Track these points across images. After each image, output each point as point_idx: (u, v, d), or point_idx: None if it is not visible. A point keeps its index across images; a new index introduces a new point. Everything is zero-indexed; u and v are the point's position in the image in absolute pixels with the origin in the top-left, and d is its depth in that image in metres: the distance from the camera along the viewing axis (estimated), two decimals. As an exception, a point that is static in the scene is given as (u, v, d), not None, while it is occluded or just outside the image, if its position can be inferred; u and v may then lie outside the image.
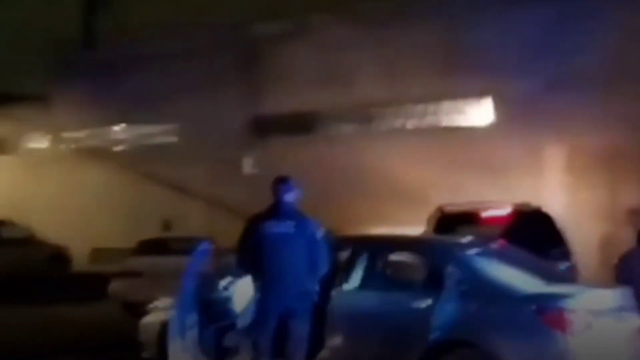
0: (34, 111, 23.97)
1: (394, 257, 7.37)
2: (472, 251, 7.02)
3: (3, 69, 20.54)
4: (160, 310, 8.61)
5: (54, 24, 19.31)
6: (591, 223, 14.90)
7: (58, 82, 23.33)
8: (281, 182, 6.92)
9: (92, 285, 15.47)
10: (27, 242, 18.52)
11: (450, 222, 9.67)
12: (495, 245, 7.49)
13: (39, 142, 24.79)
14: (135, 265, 14.08)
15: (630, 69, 15.26)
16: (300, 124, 19.50)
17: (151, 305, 8.96)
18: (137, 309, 11.99)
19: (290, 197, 6.85)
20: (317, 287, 6.74)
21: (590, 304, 6.28)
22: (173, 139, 21.77)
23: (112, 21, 20.34)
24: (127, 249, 15.36)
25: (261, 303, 6.62)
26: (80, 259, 20.20)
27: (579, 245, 10.23)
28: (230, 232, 16.66)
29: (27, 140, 25.03)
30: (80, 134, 23.59)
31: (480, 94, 17.49)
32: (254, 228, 6.79)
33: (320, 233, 6.81)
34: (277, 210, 6.80)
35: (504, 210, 9.92)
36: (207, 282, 7.49)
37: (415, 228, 10.57)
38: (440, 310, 6.44)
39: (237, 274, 7.30)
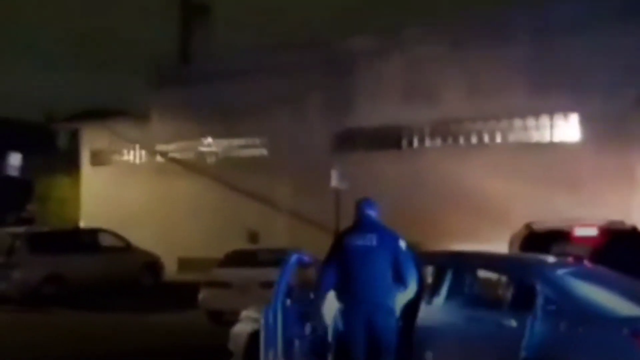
0: (130, 124, 24.98)
1: (483, 274, 7.36)
2: (563, 270, 6.92)
3: (104, 85, 21.53)
4: (250, 320, 8.78)
5: (153, 41, 20.12)
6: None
7: (154, 97, 24.26)
8: (363, 200, 7.16)
9: (182, 294, 15.95)
10: (123, 250, 19.13)
11: (539, 240, 9.46)
12: (587, 265, 7.37)
13: (135, 155, 25.78)
14: (224, 276, 14.35)
15: None
16: (387, 139, 19.62)
17: (241, 315, 9.15)
18: (224, 318, 12.37)
19: (372, 212, 6.98)
20: (401, 300, 6.83)
21: None
22: (262, 152, 22.24)
23: (208, 38, 20.97)
24: (214, 259, 15.71)
25: (346, 315, 6.75)
26: (169, 268, 20.79)
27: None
28: (315, 244, 16.98)
29: (123, 153, 26.09)
30: (173, 146, 24.44)
31: (568, 110, 17.24)
32: (339, 243, 6.98)
33: (403, 244, 6.92)
34: (359, 225, 6.98)
35: (596, 229, 9.67)
36: (299, 293, 7.65)
37: (499, 245, 10.48)
38: (530, 330, 6.35)
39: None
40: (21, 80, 19.91)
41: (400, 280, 6.74)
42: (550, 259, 7.48)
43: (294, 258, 7.92)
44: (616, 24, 16.13)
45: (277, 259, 14.52)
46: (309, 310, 7.41)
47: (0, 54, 18.49)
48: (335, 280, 6.85)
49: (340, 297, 6.84)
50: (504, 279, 7.14)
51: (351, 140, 20.23)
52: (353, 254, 6.80)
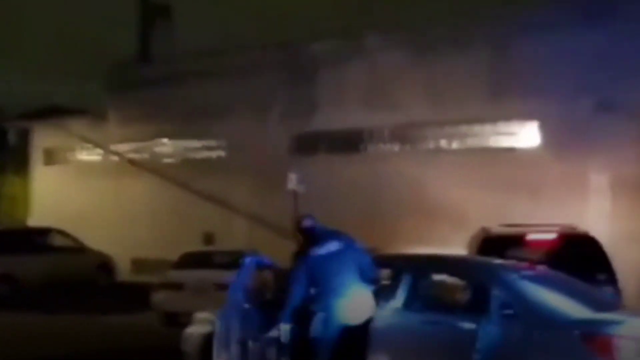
0: (86, 123, 24.61)
1: (438, 277, 7.37)
2: (518, 274, 6.97)
3: (60, 82, 21.14)
4: (204, 321, 8.71)
5: (112, 40, 19.87)
6: (633, 249, 14.68)
7: (111, 96, 23.94)
8: (305, 217, 7.41)
9: (135, 295, 15.75)
10: (75, 250, 18.89)
11: (495, 244, 9.53)
12: (540, 269, 7.43)
13: (89, 154, 25.37)
14: (178, 277, 14.23)
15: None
16: (347, 142, 19.66)
17: (195, 316, 9.07)
18: (178, 320, 12.24)
19: (317, 224, 7.23)
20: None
21: (638, 331, 6.21)
22: (219, 154, 22.09)
23: (168, 38, 20.83)
24: (168, 260, 15.55)
25: (326, 319, 6.81)
26: (123, 269, 20.53)
27: (621, 272, 10.10)
28: (272, 247, 16.90)
29: (77, 152, 25.65)
30: (129, 146, 24.12)
31: (526, 116, 17.45)
32: (304, 259, 7.01)
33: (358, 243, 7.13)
34: (315, 237, 7.09)
35: (551, 234, 9.78)
36: (256, 296, 7.59)
37: (457, 249, 10.52)
38: (484, 333, 6.40)
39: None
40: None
41: (363, 277, 6.93)
42: (505, 262, 7.52)
43: (251, 260, 7.87)
44: (574, 30, 16.33)
45: (232, 261, 14.57)
46: (268, 314, 7.37)
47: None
48: (305, 294, 6.98)
49: (318, 306, 6.93)
50: (459, 282, 7.16)
51: (311, 143, 20.22)
52: (323, 264, 6.95)
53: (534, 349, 6.26)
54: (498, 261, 7.82)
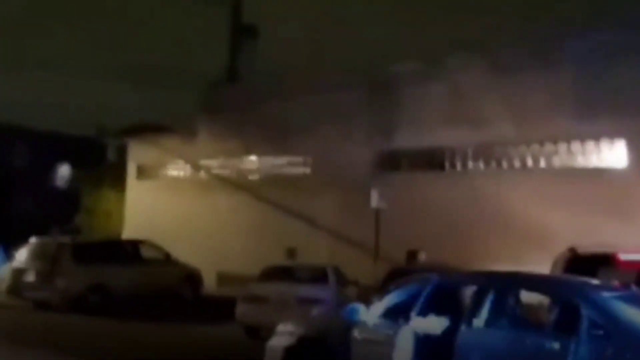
0: (177, 140, 25.46)
1: (526, 295, 7.30)
2: (609, 294, 6.84)
3: (156, 103, 21.93)
4: (286, 334, 8.85)
5: (203, 61, 20.50)
6: None
7: (202, 115, 24.71)
8: None
9: (220, 308, 16.10)
10: (164, 262, 19.38)
11: (583, 263, 9.38)
12: (634, 290, 7.26)
13: (180, 170, 26.19)
14: (261, 291, 14.46)
15: None
16: (430, 160, 19.58)
17: (278, 329, 9.22)
18: (261, 332, 12.48)
19: None
20: None
21: None
22: (304, 170, 22.40)
23: (256, 58, 21.29)
24: (252, 274, 15.83)
25: None
26: (208, 282, 20.99)
27: None
28: (353, 263, 16.98)
29: (169, 167, 26.53)
30: (217, 162, 24.77)
31: (614, 135, 17.03)
32: None
33: None
34: None
35: None
36: None
37: (541, 268, 10.37)
38: (574, 354, 6.26)
39: None
40: (74, 91, 20.49)
41: None
42: (596, 281, 7.39)
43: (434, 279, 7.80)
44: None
45: (314, 275, 14.77)
46: None
47: (59, 66, 19.05)
48: None
49: None
50: (547, 300, 7.07)
51: (394, 161, 20.25)
52: None
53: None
54: (587, 280, 7.69)
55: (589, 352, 6.26)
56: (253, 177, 23.86)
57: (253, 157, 23.90)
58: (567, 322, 6.56)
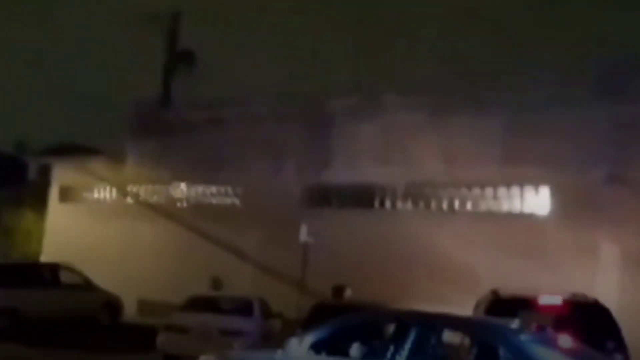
0: (104, 164, 24.90)
1: (446, 334, 7.39)
2: (526, 336, 6.99)
3: (85, 124, 21.52)
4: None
5: (136, 84, 20.31)
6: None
7: (131, 139, 24.29)
8: None
9: (140, 336, 15.69)
10: (83, 288, 18.86)
11: (504, 306, 9.58)
12: (549, 333, 7.43)
13: (106, 194, 25.59)
14: (184, 320, 14.22)
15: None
16: (361, 197, 19.75)
17: (200, 360, 9.04)
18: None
19: None
20: None
21: None
22: (233, 201, 22.23)
23: (188, 85, 21.27)
24: (175, 303, 15.55)
25: None
26: (129, 310, 20.49)
27: (629, 343, 10.07)
28: (279, 296, 16.84)
29: (93, 191, 25.87)
30: (144, 188, 24.33)
31: (539, 182, 17.56)
32: None
33: None
34: None
35: (560, 299, 9.84)
36: None
37: (464, 309, 10.52)
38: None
39: None
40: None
41: None
42: (514, 324, 7.53)
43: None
44: (590, 104, 16.58)
45: (238, 307, 14.60)
46: None
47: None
48: None
49: None
50: (467, 340, 7.17)
51: (325, 196, 20.33)
52: None
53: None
54: (506, 322, 7.82)
55: None
56: (181, 205, 23.52)
57: (182, 185, 23.59)
58: None
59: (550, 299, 9.81)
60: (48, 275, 18.61)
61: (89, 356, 14.64)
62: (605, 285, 15.27)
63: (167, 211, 23.23)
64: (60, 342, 15.84)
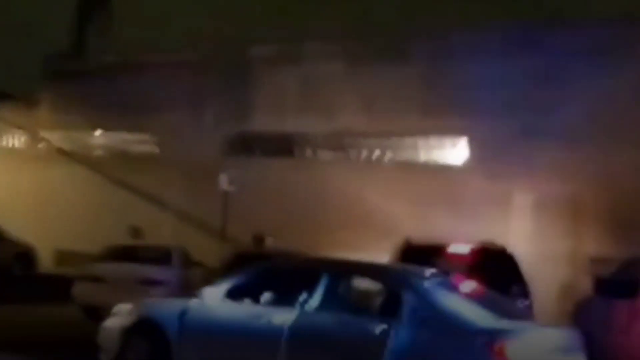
0: (15, 109, 23.96)
1: (355, 281, 7.54)
2: (430, 281, 7.20)
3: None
4: (123, 315, 8.63)
5: (48, 26, 19.46)
6: (553, 268, 15.25)
7: (44, 83, 23.39)
8: None
9: (57, 287, 15.41)
10: (-6, 237, 18.41)
11: (416, 254, 9.83)
12: (454, 278, 7.67)
13: (19, 141, 24.70)
14: (100, 270, 14.05)
15: (599, 125, 15.87)
16: (281, 146, 19.75)
17: (115, 309, 8.96)
18: (100, 313, 12.06)
19: None
20: None
21: (539, 341, 6.53)
22: (152, 149, 21.86)
23: (107, 29, 20.58)
24: (94, 253, 15.34)
25: None
26: (46, 260, 20.09)
27: (538, 289, 10.51)
28: (200, 245, 16.79)
29: (5, 137, 24.92)
30: (60, 136, 23.59)
31: (456, 133, 17.89)
32: None
33: None
34: None
35: (469, 247, 10.15)
36: None
37: (382, 257, 10.75)
38: (395, 337, 6.58)
39: None
40: None
41: None
42: (419, 270, 7.74)
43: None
44: (506, 56, 16.91)
45: (157, 256, 14.50)
46: None
47: None
48: None
49: None
50: (374, 286, 7.34)
51: (245, 145, 20.25)
52: None
53: (441, 355, 6.49)
54: (412, 268, 8.04)
55: (408, 336, 6.58)
56: (98, 153, 22.94)
57: (99, 132, 22.97)
58: (391, 307, 6.84)
59: (459, 247, 10.13)
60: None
61: (5, 307, 14.30)
62: (518, 233, 15.84)
63: (83, 159, 22.65)
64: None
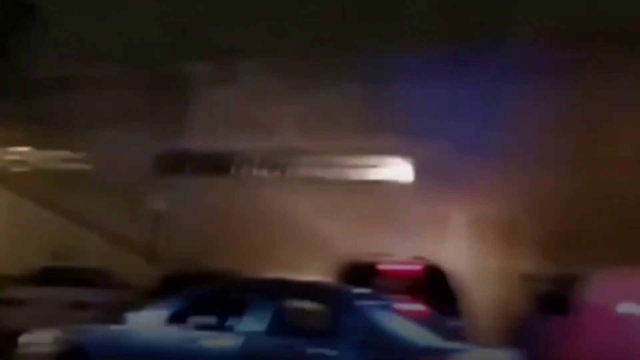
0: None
1: (294, 302, 7.31)
2: (371, 302, 7.06)
3: None
4: (44, 344, 8.11)
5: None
6: (489, 286, 15.33)
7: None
8: None
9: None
10: None
11: (355, 273, 9.78)
12: (393, 298, 7.55)
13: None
14: (24, 294, 13.42)
15: (534, 148, 16.16)
16: (215, 165, 19.41)
17: (38, 337, 8.44)
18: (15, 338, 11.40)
19: None
20: None
21: None
22: (80, 167, 21.13)
23: (33, 40, 19.86)
24: (10, 275, 14.65)
25: None
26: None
27: (473, 307, 10.45)
28: (128, 266, 16.19)
29: None
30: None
31: (395, 152, 17.94)
32: None
33: None
34: None
35: (404, 265, 10.19)
36: None
37: (321, 277, 10.60)
38: (337, 359, 6.38)
39: None
40: None
41: None
42: (360, 290, 7.57)
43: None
44: (442, 78, 17.04)
45: (83, 278, 13.92)
46: None
47: None
48: None
49: None
50: (314, 307, 7.13)
51: (179, 163, 19.80)
52: None
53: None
54: (353, 289, 7.85)
55: (350, 357, 6.37)
56: (18, 169, 21.99)
57: (20, 149, 22.04)
58: (332, 328, 6.70)
59: (393, 265, 10.14)
60: None
61: None
62: (454, 251, 15.88)
63: (4, 176, 21.68)
64: None
